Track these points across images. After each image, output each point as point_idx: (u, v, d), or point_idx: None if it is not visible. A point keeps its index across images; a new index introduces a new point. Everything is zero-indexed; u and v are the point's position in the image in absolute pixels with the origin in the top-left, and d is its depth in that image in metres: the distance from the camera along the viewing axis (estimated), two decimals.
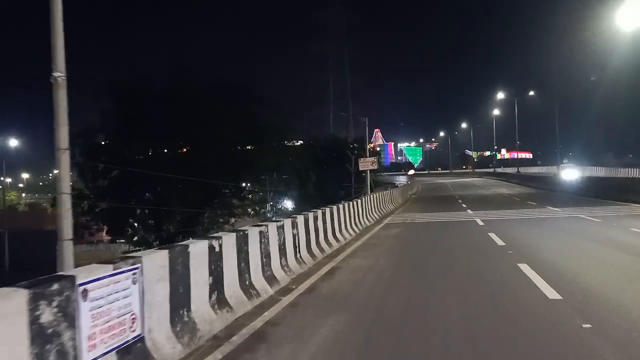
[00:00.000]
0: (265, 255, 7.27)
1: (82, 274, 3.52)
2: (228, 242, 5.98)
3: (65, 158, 5.31)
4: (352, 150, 37.12)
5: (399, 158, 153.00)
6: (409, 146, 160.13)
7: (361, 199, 17.52)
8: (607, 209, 19.09)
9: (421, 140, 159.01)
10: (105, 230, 30.31)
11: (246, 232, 6.65)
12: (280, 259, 7.93)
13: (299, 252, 9.01)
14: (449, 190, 43.29)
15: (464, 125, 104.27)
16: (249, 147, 30.83)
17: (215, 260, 5.59)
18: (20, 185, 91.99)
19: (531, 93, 67.14)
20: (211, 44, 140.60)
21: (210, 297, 5.40)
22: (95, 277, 3.61)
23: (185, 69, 28.23)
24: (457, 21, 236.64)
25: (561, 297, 6.22)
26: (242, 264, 6.36)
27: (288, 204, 38.83)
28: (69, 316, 3.31)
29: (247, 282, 6.43)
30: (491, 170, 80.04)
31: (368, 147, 35.22)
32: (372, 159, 28.02)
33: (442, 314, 5.86)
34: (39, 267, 8.64)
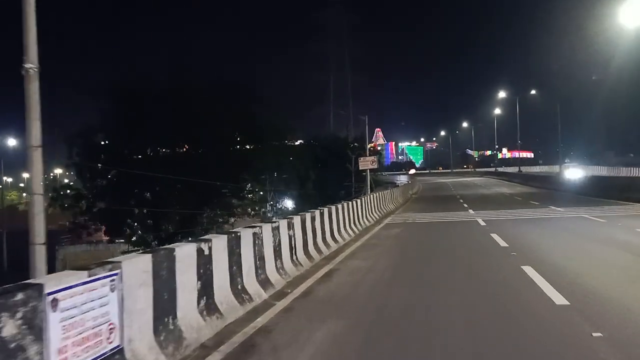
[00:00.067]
0: (259, 258, 6.98)
1: (52, 282, 3.24)
2: (218, 244, 5.71)
3: (37, 156, 5.03)
4: (352, 150, 36.77)
5: (399, 157, 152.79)
6: (409, 145, 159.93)
7: (361, 199, 17.24)
8: (611, 209, 18.82)
9: (422, 139, 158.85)
10: (103, 231, 30.08)
11: (238, 234, 6.37)
12: (276, 261, 7.65)
13: (295, 254, 8.73)
14: (450, 190, 42.98)
15: (465, 124, 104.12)
16: (248, 147, 30.63)
17: (204, 263, 5.30)
18: (21, 185, 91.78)
19: (532, 92, 66.67)
20: (211, 44, 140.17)
21: (198, 302, 5.12)
22: (67, 285, 3.32)
23: (185, 69, 28.01)
24: (457, 21, 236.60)
25: (568, 303, 5.93)
26: (234, 267, 6.08)
27: (288, 204, 38.58)
28: (35, 328, 3.04)
29: (239, 287, 6.15)
30: (492, 169, 79.87)
31: (368, 146, 34.95)
32: (372, 158, 27.74)
33: (444, 314, 5.73)
34: None
